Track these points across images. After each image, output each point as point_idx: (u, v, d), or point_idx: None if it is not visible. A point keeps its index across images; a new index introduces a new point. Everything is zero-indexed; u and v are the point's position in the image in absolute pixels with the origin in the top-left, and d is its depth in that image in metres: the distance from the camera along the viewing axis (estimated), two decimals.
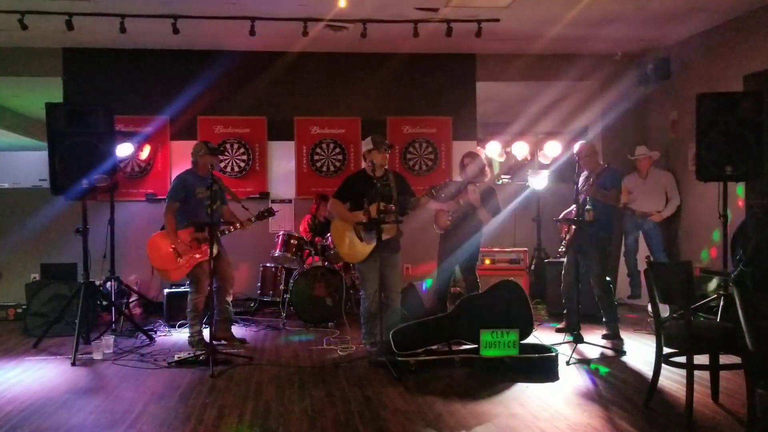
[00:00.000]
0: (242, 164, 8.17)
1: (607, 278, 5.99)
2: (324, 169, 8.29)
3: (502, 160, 8.97)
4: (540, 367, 4.98)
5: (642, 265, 7.12)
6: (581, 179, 6.14)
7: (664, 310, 5.45)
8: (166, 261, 5.82)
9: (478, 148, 8.64)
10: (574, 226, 5.94)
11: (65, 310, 6.15)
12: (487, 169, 6.15)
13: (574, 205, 5.96)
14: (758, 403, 3.39)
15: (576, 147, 6.15)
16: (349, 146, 8.28)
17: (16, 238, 7.84)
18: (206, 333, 5.71)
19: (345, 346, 5.86)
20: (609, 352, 5.58)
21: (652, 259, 6.75)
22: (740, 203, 6.71)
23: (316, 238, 7.30)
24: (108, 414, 4.14)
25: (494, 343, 5.03)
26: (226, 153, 8.07)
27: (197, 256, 5.81)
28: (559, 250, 6.35)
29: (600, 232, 5.90)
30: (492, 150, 8.65)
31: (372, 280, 5.49)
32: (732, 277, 3.30)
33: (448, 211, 5.98)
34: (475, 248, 6.14)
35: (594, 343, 5.75)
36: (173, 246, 5.78)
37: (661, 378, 4.18)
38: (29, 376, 5.05)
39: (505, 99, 9.97)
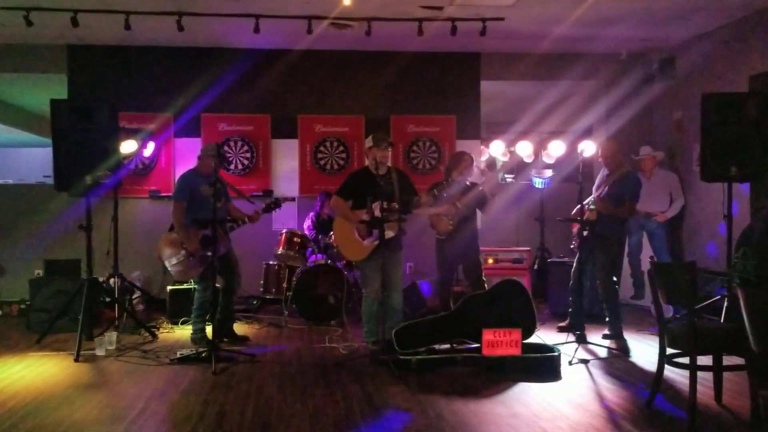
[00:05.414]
0: (246, 162, 8.17)
1: (614, 279, 5.94)
2: (327, 167, 8.29)
3: (505, 159, 8.98)
4: (542, 366, 4.98)
5: (645, 266, 7.08)
6: (599, 177, 6.12)
7: (668, 311, 5.44)
8: (180, 261, 5.77)
9: (482, 147, 8.66)
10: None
11: (68, 306, 6.15)
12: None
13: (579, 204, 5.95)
14: (762, 405, 3.37)
15: (596, 147, 6.12)
16: (353, 144, 8.27)
17: (20, 233, 7.90)
18: (209, 330, 5.73)
19: (347, 345, 5.86)
20: (611, 353, 5.57)
21: (655, 259, 6.72)
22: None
23: (320, 236, 7.30)
24: (110, 410, 4.16)
25: (496, 343, 5.03)
26: (230, 151, 8.07)
27: (209, 254, 5.70)
28: (571, 246, 6.34)
29: (607, 234, 5.82)
30: (496, 149, 8.65)
31: (374, 279, 5.47)
32: (734, 274, 3.28)
33: (446, 216, 5.88)
34: (476, 248, 6.15)
35: (597, 342, 5.75)
36: (185, 246, 5.74)
37: (664, 379, 4.17)
38: (32, 372, 5.07)
39: (510, 98, 9.95)
